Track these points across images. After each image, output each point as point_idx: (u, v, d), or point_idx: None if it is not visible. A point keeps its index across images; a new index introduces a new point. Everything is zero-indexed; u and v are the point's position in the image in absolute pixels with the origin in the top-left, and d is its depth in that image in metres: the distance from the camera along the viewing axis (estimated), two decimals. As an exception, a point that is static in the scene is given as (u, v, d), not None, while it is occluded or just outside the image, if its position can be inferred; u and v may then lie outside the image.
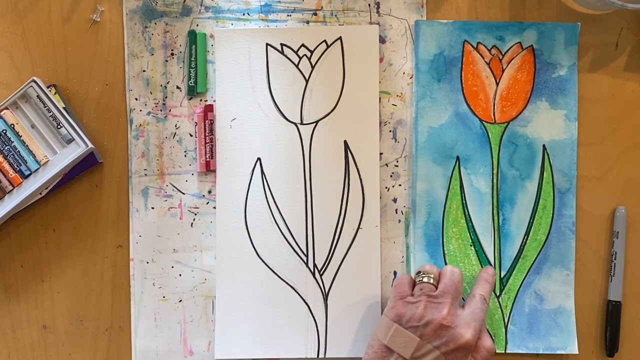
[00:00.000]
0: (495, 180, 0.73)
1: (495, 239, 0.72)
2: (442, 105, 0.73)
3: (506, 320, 0.72)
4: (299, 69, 0.73)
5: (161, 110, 0.74)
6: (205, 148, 0.73)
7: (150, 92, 0.73)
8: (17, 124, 0.71)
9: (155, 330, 0.73)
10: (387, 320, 0.65)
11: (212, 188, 0.73)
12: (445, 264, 0.72)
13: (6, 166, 0.71)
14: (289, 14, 0.73)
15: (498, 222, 0.72)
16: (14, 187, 0.71)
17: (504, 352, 0.72)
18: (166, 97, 0.74)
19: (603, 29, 0.73)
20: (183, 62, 0.74)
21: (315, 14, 0.74)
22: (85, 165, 0.72)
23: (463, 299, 0.71)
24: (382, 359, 0.64)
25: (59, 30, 0.74)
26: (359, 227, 0.73)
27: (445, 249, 0.72)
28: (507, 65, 0.73)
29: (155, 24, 0.73)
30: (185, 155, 0.73)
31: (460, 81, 0.73)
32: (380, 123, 0.73)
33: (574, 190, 0.72)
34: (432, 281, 0.66)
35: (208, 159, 0.73)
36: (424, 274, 0.67)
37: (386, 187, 0.73)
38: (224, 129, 0.73)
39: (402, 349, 0.63)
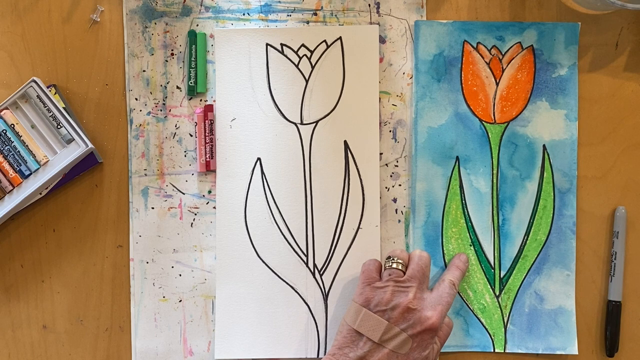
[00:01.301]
0: (495, 180, 0.73)
1: (495, 239, 0.72)
2: (442, 106, 0.73)
3: (506, 320, 0.72)
4: (299, 69, 0.73)
5: (161, 110, 0.74)
6: (205, 148, 0.73)
7: (150, 92, 0.73)
8: (17, 124, 0.71)
9: (155, 330, 0.73)
10: (355, 306, 0.66)
11: (212, 188, 0.73)
12: (445, 263, 0.72)
13: (6, 166, 0.71)
14: (289, 14, 0.73)
15: (498, 222, 0.72)
16: (14, 187, 0.71)
17: (503, 351, 0.72)
18: (166, 97, 0.74)
19: (603, 29, 0.73)
20: (183, 62, 0.74)
21: (315, 14, 0.74)
22: (85, 165, 0.72)
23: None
24: (352, 343, 0.65)
25: (59, 30, 0.74)
26: (359, 227, 0.73)
27: (444, 249, 0.72)
28: (507, 65, 0.73)
29: (155, 24, 0.73)
30: (185, 155, 0.73)
31: (460, 81, 0.73)
32: (380, 123, 0.73)
33: (574, 190, 0.72)
34: (400, 267, 0.67)
35: (208, 159, 0.73)
36: (393, 259, 0.68)
37: (386, 187, 0.73)
38: (224, 129, 0.73)
39: (371, 332, 0.64)
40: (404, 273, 0.67)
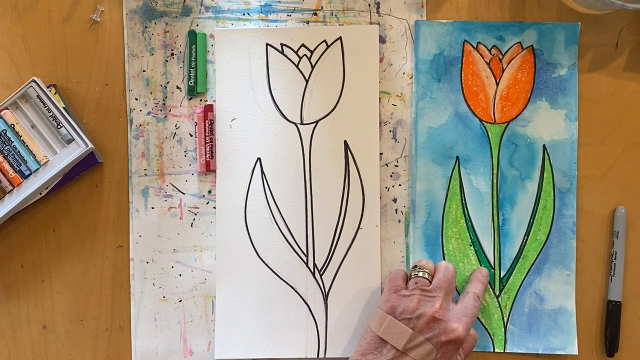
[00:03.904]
0: (495, 180, 0.73)
1: (495, 239, 0.72)
2: (442, 105, 0.73)
3: (506, 320, 0.72)
4: (299, 69, 0.73)
5: (161, 110, 0.74)
6: (205, 148, 0.73)
7: (150, 92, 0.74)
8: (17, 124, 0.71)
9: (155, 330, 0.73)
10: (380, 313, 0.66)
11: (212, 188, 0.73)
12: (445, 264, 0.72)
13: (6, 166, 0.71)
14: (289, 14, 0.74)
15: (498, 222, 0.72)
16: (14, 187, 0.71)
17: (503, 351, 0.72)
18: (166, 97, 0.74)
19: (603, 29, 0.73)
20: (183, 62, 0.74)
21: (315, 14, 0.74)
22: (85, 165, 0.72)
23: (458, 292, 0.71)
24: (375, 350, 0.65)
25: (59, 30, 0.74)
26: (359, 227, 0.73)
27: (444, 248, 0.72)
28: (507, 65, 0.73)
29: (155, 24, 0.73)
30: (185, 155, 0.73)
31: (460, 81, 0.73)
32: (380, 123, 0.73)
33: (574, 190, 0.72)
34: (426, 276, 0.67)
35: (208, 159, 0.73)
36: (419, 268, 0.68)
37: (386, 187, 0.73)
38: (224, 129, 0.73)
39: (395, 340, 0.64)
40: (430, 282, 0.67)
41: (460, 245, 0.72)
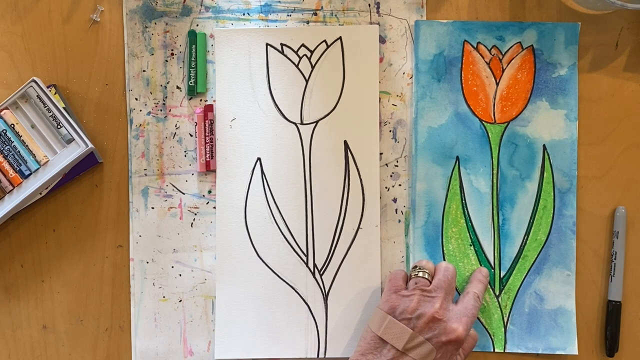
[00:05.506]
0: (495, 180, 0.73)
1: (495, 239, 0.72)
2: (442, 105, 0.73)
3: (505, 320, 0.72)
4: (299, 69, 0.73)
5: (161, 110, 0.74)
6: (205, 148, 0.73)
7: (150, 92, 0.74)
8: (17, 124, 0.71)
9: (155, 330, 0.73)
10: (380, 313, 0.66)
11: (212, 188, 0.73)
12: (445, 264, 0.72)
13: (6, 166, 0.71)
14: (289, 14, 0.74)
15: (498, 222, 0.72)
16: (14, 187, 0.71)
17: (503, 351, 0.72)
18: (166, 97, 0.74)
19: (603, 29, 0.73)
20: (183, 62, 0.74)
21: (315, 14, 0.74)
22: (85, 165, 0.72)
23: (458, 292, 0.71)
24: (375, 350, 0.65)
25: (59, 30, 0.74)
26: (359, 227, 0.73)
27: (444, 248, 0.72)
28: (507, 65, 0.73)
29: (155, 24, 0.73)
30: (185, 155, 0.73)
31: (460, 81, 0.73)
32: (380, 123, 0.73)
33: (574, 190, 0.72)
34: (427, 276, 0.67)
35: (208, 159, 0.73)
36: (419, 268, 0.68)
37: (386, 187, 0.73)
38: (224, 129, 0.73)
39: (395, 340, 0.64)
40: (430, 283, 0.67)
41: (460, 245, 0.72)
